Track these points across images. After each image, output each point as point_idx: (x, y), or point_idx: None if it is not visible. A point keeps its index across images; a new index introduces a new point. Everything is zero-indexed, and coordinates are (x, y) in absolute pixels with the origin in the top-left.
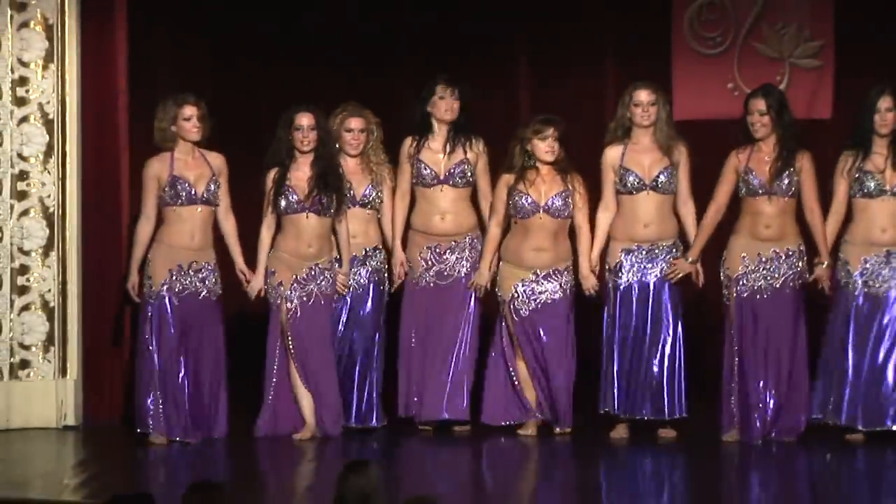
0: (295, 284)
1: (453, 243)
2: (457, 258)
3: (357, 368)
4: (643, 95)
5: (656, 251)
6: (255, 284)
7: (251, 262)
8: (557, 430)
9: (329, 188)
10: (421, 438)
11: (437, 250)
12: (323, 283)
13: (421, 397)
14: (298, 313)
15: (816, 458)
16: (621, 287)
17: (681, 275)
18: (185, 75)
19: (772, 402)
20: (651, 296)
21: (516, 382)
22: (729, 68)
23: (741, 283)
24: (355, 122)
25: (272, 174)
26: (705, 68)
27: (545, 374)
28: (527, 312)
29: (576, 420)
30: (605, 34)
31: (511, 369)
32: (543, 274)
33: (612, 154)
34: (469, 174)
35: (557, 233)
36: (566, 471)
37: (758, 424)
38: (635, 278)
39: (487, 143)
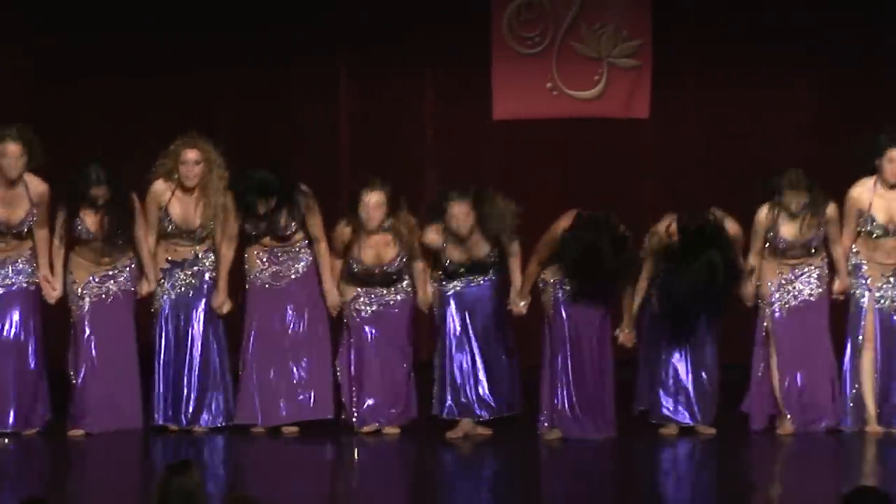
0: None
1: None
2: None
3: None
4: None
5: None
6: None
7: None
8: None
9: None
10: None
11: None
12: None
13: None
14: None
15: None
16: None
17: None
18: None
19: None
20: None
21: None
22: (548, 68)
23: None
24: (191, 154)
25: None
26: (524, 68)
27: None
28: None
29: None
30: (424, 34)
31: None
32: None
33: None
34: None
35: None
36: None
37: None
38: None
39: (311, 155)
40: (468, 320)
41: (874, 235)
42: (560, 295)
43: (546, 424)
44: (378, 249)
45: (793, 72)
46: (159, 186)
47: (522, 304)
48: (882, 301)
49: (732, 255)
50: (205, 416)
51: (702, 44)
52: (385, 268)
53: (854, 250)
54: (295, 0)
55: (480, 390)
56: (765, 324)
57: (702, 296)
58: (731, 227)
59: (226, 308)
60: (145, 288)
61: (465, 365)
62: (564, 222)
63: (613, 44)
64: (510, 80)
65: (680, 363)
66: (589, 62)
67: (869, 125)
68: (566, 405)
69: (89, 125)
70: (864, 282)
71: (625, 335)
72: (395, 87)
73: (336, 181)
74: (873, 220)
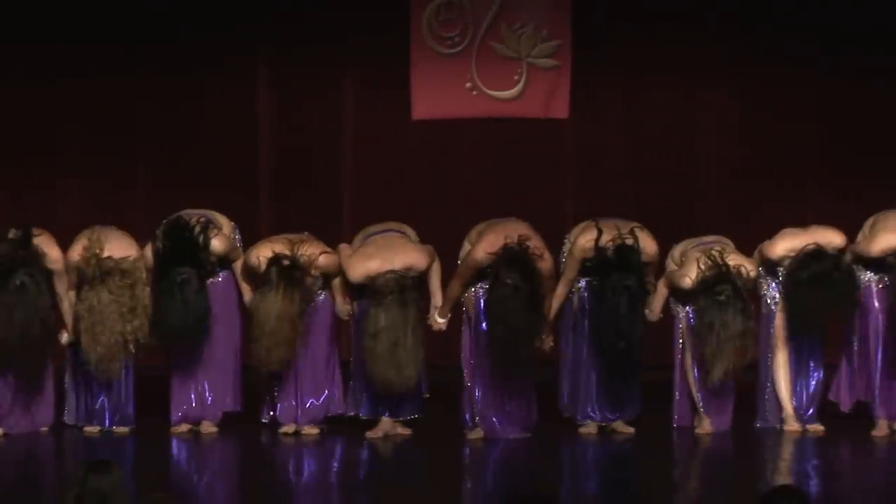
0: None
1: None
2: None
3: None
4: None
5: None
6: None
7: None
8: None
9: None
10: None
11: None
12: None
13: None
14: None
15: None
16: None
17: None
18: None
19: None
20: None
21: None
22: (467, 68)
23: None
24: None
25: None
26: (444, 68)
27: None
28: None
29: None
30: (343, 34)
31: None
32: None
33: None
34: None
35: None
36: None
37: None
38: None
39: (231, 156)
40: None
41: None
42: (482, 295)
43: (469, 424)
44: None
45: (712, 72)
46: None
47: (443, 321)
48: None
49: (643, 277)
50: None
51: (621, 44)
52: None
53: None
54: (216, 1)
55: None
56: (680, 326)
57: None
58: (648, 245)
59: None
60: (65, 339)
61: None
62: (486, 246)
63: (533, 44)
64: (429, 79)
65: (601, 364)
66: (508, 62)
67: (787, 125)
68: (488, 405)
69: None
70: (773, 282)
71: (542, 340)
72: (315, 87)
73: (255, 182)
74: None
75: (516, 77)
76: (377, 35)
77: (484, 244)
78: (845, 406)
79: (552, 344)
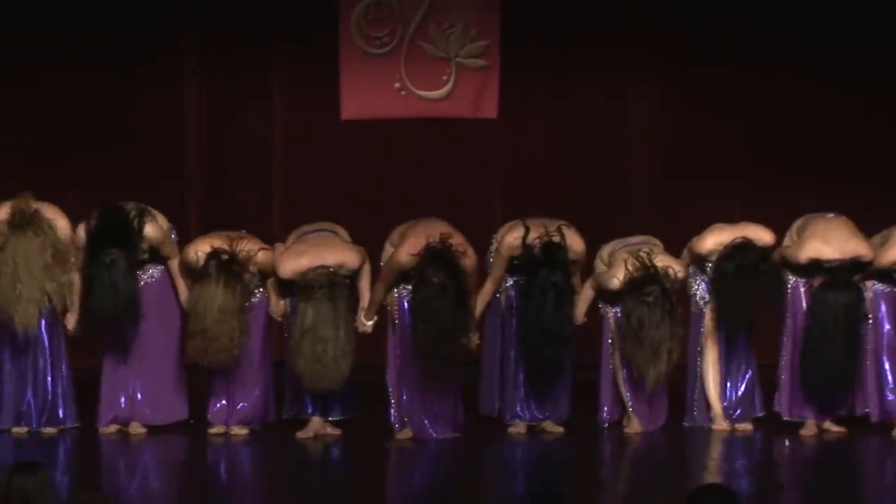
0: None
1: None
2: None
3: None
4: None
5: None
6: None
7: None
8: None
9: None
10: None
11: None
12: None
13: None
14: None
15: None
16: None
17: None
18: None
19: None
20: None
21: None
22: (396, 68)
23: None
24: None
25: None
26: (373, 68)
27: None
28: None
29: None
30: (272, 33)
31: None
32: None
33: None
34: None
35: None
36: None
37: None
38: None
39: (159, 155)
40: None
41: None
42: (405, 296)
43: (397, 424)
44: None
45: (641, 73)
46: None
47: (370, 323)
48: None
49: (569, 276)
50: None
51: (550, 45)
52: None
53: None
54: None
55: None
56: (611, 326)
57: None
58: (576, 243)
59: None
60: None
61: None
62: (409, 248)
63: (462, 44)
64: (358, 79)
65: (529, 363)
66: (437, 62)
67: (714, 125)
68: (415, 406)
69: None
70: (702, 281)
71: (469, 338)
72: (244, 86)
73: (185, 182)
74: None
75: (445, 77)
76: (306, 35)
77: (406, 246)
78: (788, 415)
79: (478, 342)
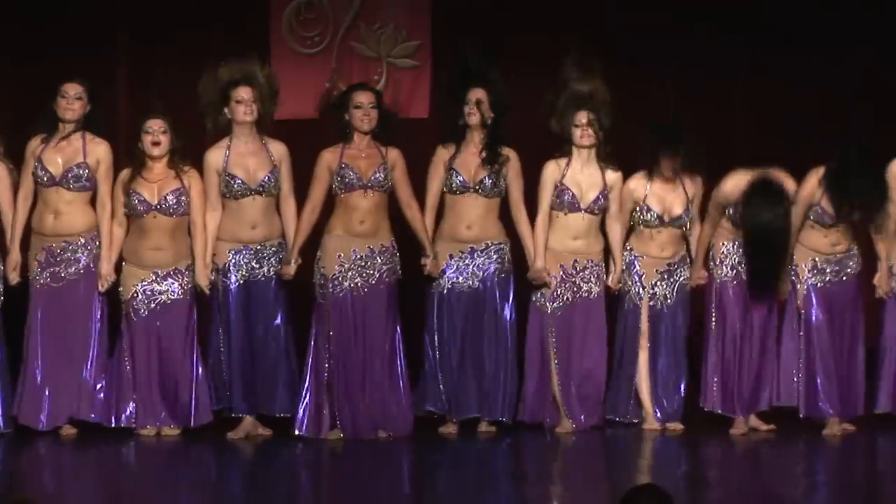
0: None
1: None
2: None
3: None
4: None
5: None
6: None
7: None
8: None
9: None
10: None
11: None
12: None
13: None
14: None
15: None
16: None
17: None
18: None
19: None
20: None
21: None
22: (327, 68)
23: None
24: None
25: None
26: (304, 68)
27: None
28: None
29: None
30: (203, 33)
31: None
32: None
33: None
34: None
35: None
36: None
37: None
38: None
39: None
40: (249, 320)
41: (649, 226)
42: (338, 291)
43: (329, 425)
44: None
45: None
46: None
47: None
48: (655, 298)
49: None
50: None
51: (480, 43)
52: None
53: (628, 247)
54: None
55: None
56: (548, 320)
57: None
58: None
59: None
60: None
61: (246, 363)
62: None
63: (393, 44)
64: (290, 79)
65: (462, 361)
66: (369, 62)
67: (636, 118)
68: (348, 406)
69: None
70: (637, 279)
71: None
72: (175, 85)
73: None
74: (649, 209)
75: (376, 77)
76: (237, 35)
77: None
78: (713, 408)
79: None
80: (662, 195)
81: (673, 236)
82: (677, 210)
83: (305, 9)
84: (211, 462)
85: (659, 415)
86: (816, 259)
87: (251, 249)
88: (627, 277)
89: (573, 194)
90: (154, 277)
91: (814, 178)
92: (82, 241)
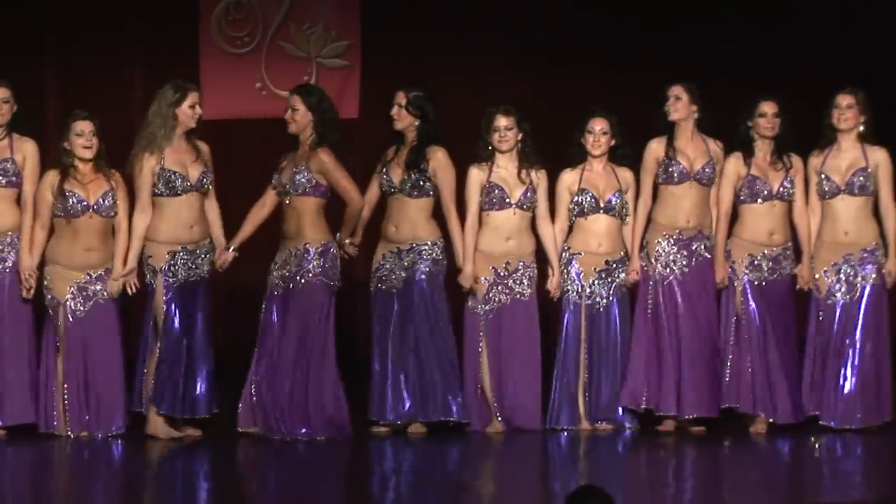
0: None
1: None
2: None
3: None
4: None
5: None
6: None
7: None
8: None
9: None
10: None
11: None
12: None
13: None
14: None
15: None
16: None
17: None
18: None
19: None
20: None
21: None
22: (257, 68)
23: None
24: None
25: None
26: (233, 68)
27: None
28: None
29: None
30: (132, 32)
31: None
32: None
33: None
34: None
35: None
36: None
37: None
38: None
39: None
40: (187, 321)
41: (585, 213)
42: (277, 293)
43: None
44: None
45: (500, 71)
46: None
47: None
48: (591, 297)
49: None
50: None
51: (411, 45)
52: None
53: (566, 247)
54: None
55: (197, 389)
56: (480, 322)
57: None
58: None
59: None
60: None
61: (180, 363)
62: None
63: (322, 44)
64: (219, 79)
65: (407, 364)
66: (298, 62)
67: (572, 115)
68: (286, 406)
69: None
70: (576, 277)
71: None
72: (103, 85)
73: (41, 169)
74: (584, 191)
75: (306, 77)
76: (166, 34)
77: None
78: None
79: None
80: (596, 182)
81: (610, 229)
82: (610, 195)
83: (235, 9)
84: (132, 463)
85: (591, 415)
86: (753, 254)
87: (187, 250)
88: (566, 278)
89: (501, 189)
90: (88, 278)
91: (732, 158)
92: (8, 239)
